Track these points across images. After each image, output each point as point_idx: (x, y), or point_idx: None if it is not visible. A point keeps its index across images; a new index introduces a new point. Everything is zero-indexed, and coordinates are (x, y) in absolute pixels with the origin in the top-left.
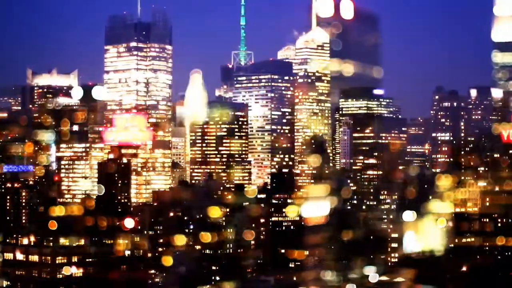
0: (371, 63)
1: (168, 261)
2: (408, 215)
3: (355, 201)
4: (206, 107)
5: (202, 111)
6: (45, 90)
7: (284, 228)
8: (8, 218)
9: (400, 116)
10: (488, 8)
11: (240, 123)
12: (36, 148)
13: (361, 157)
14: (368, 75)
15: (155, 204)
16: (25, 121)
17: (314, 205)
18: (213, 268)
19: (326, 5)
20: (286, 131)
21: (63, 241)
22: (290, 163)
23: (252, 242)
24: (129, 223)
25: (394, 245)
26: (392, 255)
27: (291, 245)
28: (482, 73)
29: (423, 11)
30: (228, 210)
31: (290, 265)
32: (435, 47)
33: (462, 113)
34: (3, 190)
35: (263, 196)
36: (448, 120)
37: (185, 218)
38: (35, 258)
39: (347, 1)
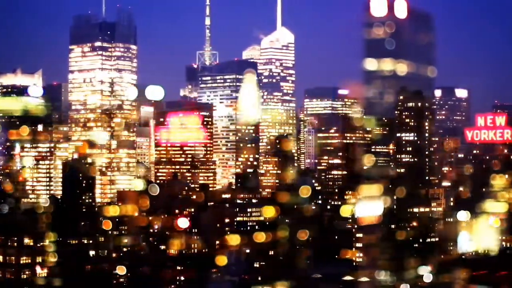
0: (425, 62)
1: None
2: (463, 215)
3: (319, 201)
4: (259, 107)
5: (256, 110)
6: (9, 89)
7: (249, 228)
8: None
9: (364, 116)
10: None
11: (205, 123)
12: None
13: (325, 157)
14: (423, 74)
15: (120, 204)
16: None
17: (368, 205)
18: (178, 268)
19: (380, 4)
20: (251, 131)
21: (27, 241)
22: (255, 163)
23: (217, 242)
24: (183, 222)
25: None
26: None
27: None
28: (446, 74)
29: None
30: (193, 210)
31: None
32: None
33: (426, 113)
34: None
35: (227, 196)
36: (412, 120)
37: (150, 218)
38: None
39: (401, 0)
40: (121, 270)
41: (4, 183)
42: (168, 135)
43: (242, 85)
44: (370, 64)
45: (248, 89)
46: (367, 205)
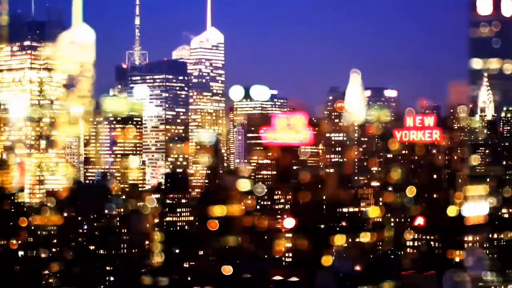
0: None
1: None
2: None
3: (249, 201)
4: (365, 106)
5: (362, 110)
6: None
7: (178, 228)
8: None
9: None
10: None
11: (134, 122)
12: None
13: (255, 157)
14: None
15: (49, 204)
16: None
17: (474, 205)
18: (107, 269)
19: (485, 3)
20: (181, 131)
21: None
22: (184, 163)
23: (146, 242)
24: (289, 223)
25: None
26: None
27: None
28: (377, 74)
29: (321, 10)
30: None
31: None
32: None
33: None
34: None
35: (157, 196)
36: (342, 121)
37: (79, 218)
38: None
39: None
40: (226, 270)
41: None
42: (273, 135)
43: (348, 85)
44: (476, 63)
45: (353, 88)
46: (474, 205)
